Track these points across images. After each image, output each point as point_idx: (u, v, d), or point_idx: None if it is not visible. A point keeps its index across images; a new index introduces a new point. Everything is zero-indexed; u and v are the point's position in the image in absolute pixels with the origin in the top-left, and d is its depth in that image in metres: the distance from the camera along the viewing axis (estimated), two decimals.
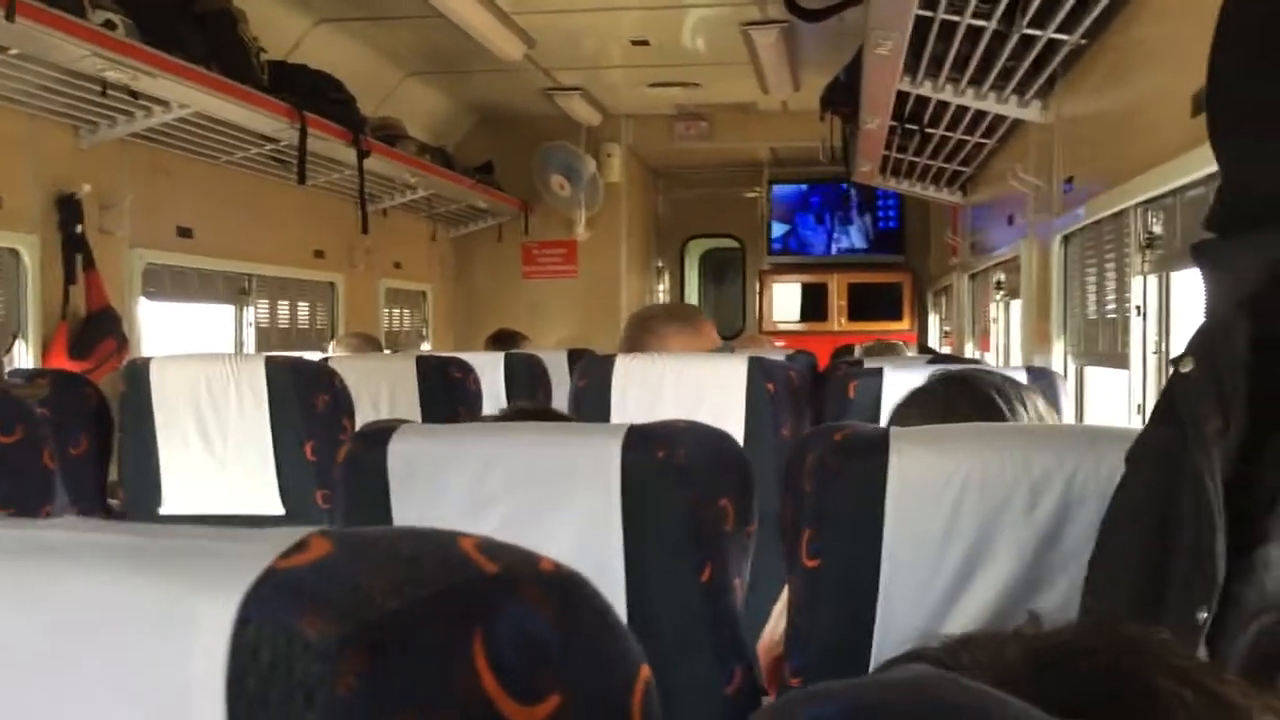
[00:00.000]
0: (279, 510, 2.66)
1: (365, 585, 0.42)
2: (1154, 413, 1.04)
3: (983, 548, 1.27)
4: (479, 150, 7.06)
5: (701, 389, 2.51)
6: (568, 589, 0.49)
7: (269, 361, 2.71)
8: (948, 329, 7.04)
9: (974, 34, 2.81)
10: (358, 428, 2.87)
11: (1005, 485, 1.26)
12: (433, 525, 1.25)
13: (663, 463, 1.36)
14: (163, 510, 2.68)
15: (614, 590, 1.37)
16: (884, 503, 1.28)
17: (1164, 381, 2.49)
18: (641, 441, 1.37)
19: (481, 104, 6.99)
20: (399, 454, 1.40)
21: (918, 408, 1.57)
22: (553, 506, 1.38)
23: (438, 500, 1.39)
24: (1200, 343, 0.94)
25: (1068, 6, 2.49)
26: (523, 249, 7.60)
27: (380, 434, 1.42)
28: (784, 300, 8.61)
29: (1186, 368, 0.94)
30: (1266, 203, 0.95)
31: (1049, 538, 1.26)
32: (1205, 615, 0.92)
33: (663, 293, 9.02)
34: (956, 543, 1.27)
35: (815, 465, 1.33)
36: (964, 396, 1.55)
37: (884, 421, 2.36)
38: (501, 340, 5.28)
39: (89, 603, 0.40)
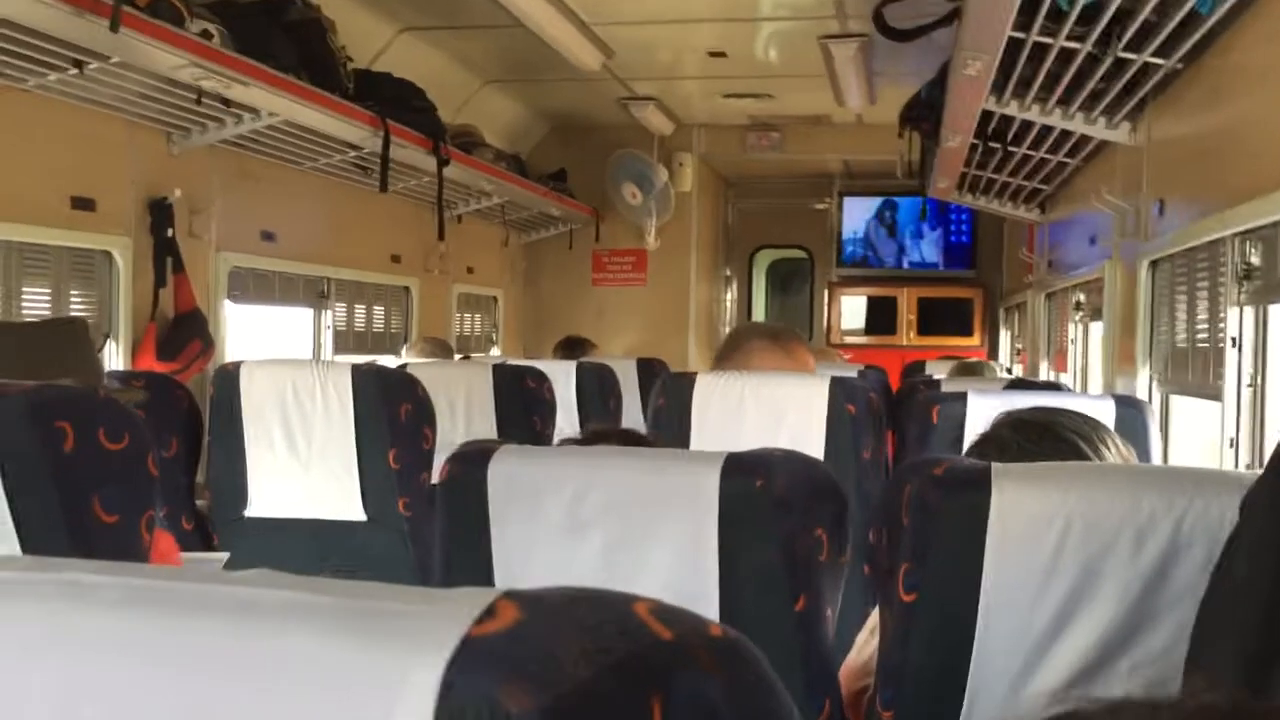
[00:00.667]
0: (361, 516, 2.71)
1: (558, 654, 0.43)
2: (1273, 460, 1.02)
3: (1085, 589, 1.25)
4: (552, 157, 7.12)
5: (782, 410, 2.50)
6: (736, 654, 0.50)
7: (355, 369, 2.76)
8: (1020, 346, 6.95)
9: (1065, 55, 2.77)
10: (437, 435, 2.93)
11: (1111, 526, 1.24)
12: (529, 547, 1.26)
13: (760, 492, 1.37)
14: (248, 513, 2.74)
15: (709, 615, 1.38)
16: (985, 540, 1.27)
17: (1258, 416, 2.44)
18: (739, 470, 1.37)
19: (556, 112, 7.04)
20: (499, 475, 1.41)
21: (995, 455, 1.53)
22: (649, 533, 1.39)
23: (535, 523, 1.41)
24: None
25: (1167, 30, 2.45)
26: (593, 256, 7.64)
27: (480, 455, 1.43)
28: (852, 312, 8.56)
29: None
30: None
31: (1154, 581, 1.24)
32: None
33: (730, 302, 9.01)
34: (1058, 583, 1.26)
35: (914, 498, 1.33)
36: (1044, 445, 1.52)
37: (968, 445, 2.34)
38: (570, 347, 5.32)
39: (300, 664, 0.42)
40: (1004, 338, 7.95)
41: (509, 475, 1.41)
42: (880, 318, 8.44)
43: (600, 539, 1.38)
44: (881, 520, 1.39)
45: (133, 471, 1.64)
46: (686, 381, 2.58)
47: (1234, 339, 2.42)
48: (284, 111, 3.57)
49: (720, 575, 1.37)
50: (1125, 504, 1.24)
